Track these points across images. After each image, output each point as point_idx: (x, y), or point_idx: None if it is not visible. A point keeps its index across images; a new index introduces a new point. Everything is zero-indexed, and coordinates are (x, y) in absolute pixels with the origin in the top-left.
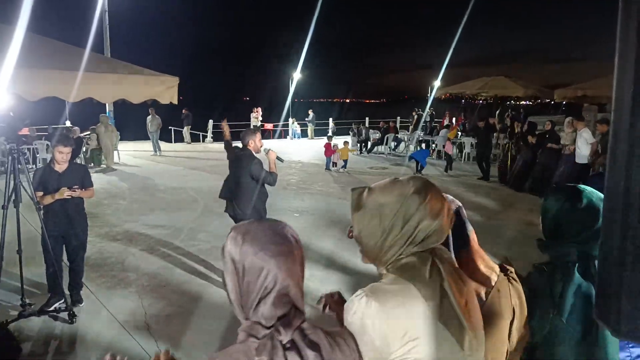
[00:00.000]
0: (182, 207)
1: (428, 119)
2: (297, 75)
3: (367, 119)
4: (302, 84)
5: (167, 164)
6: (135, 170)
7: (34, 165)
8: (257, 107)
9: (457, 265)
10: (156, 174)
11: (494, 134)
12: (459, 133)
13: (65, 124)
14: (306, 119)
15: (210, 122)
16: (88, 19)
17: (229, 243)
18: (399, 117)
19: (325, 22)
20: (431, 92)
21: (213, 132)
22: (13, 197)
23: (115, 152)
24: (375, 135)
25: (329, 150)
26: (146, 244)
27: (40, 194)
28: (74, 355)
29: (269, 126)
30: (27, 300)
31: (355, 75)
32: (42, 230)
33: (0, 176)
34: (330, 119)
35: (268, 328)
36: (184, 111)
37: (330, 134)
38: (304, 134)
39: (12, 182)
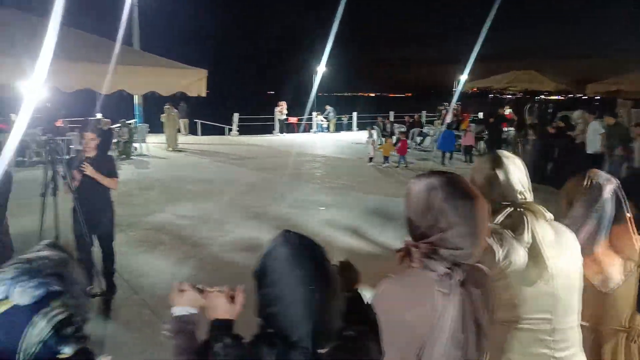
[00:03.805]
0: (208, 199)
1: (453, 113)
2: (321, 69)
3: (391, 113)
4: (325, 78)
5: (194, 156)
6: (164, 162)
7: (66, 157)
8: (281, 101)
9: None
10: (183, 166)
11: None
12: (471, 124)
13: (96, 116)
14: (322, 115)
15: (236, 115)
16: (118, 13)
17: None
18: (424, 112)
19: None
20: (457, 86)
21: (238, 126)
22: (51, 186)
23: (144, 145)
24: (400, 129)
25: (404, 147)
26: (175, 233)
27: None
28: (106, 337)
29: (293, 120)
30: None
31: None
32: (74, 217)
33: (35, 166)
34: (355, 113)
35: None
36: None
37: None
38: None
39: (49, 172)
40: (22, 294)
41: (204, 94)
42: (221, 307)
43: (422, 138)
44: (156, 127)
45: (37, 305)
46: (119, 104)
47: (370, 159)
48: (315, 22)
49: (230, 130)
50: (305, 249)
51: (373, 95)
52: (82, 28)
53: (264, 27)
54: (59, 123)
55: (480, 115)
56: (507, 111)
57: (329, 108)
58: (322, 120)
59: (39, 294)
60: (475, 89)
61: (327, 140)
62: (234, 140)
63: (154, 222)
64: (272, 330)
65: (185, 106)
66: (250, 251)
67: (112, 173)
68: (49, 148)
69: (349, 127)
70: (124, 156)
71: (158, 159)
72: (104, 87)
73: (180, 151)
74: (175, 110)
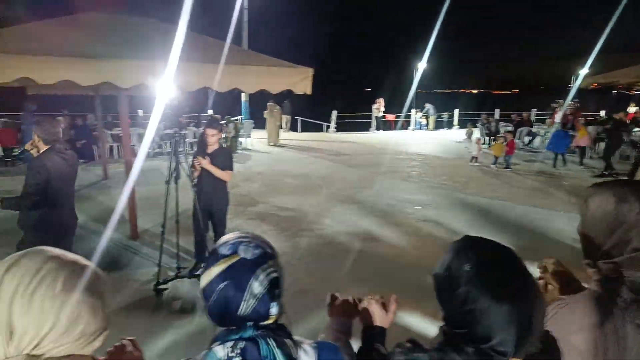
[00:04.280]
0: (307, 193)
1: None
2: (422, 65)
3: (497, 110)
4: (425, 74)
5: (294, 151)
6: (266, 157)
7: (190, 150)
8: (379, 98)
9: None
10: (284, 160)
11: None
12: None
13: (208, 113)
14: (422, 113)
15: (334, 113)
16: (227, 15)
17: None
18: (534, 110)
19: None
20: (574, 81)
21: (336, 123)
22: (174, 175)
23: (249, 139)
24: (506, 128)
25: (512, 147)
26: (276, 224)
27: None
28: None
29: (390, 117)
30: (181, 265)
31: (483, 63)
32: (194, 204)
33: (157, 157)
34: (456, 110)
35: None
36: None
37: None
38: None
39: (173, 162)
40: (246, 251)
41: (309, 92)
42: (376, 315)
43: (531, 138)
44: (259, 123)
45: (258, 261)
46: (228, 101)
47: (473, 159)
48: (417, 16)
49: (328, 127)
50: (500, 253)
51: (476, 92)
52: (195, 30)
53: (363, 24)
54: (181, 119)
55: (602, 113)
56: (633, 109)
57: (428, 105)
58: (421, 118)
59: (258, 252)
60: (596, 85)
61: (426, 139)
62: (331, 137)
63: (257, 212)
64: (463, 331)
65: (289, 104)
66: (347, 245)
67: (226, 166)
68: (174, 141)
69: (449, 125)
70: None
71: (260, 153)
72: (221, 86)
73: (281, 146)
74: (278, 107)
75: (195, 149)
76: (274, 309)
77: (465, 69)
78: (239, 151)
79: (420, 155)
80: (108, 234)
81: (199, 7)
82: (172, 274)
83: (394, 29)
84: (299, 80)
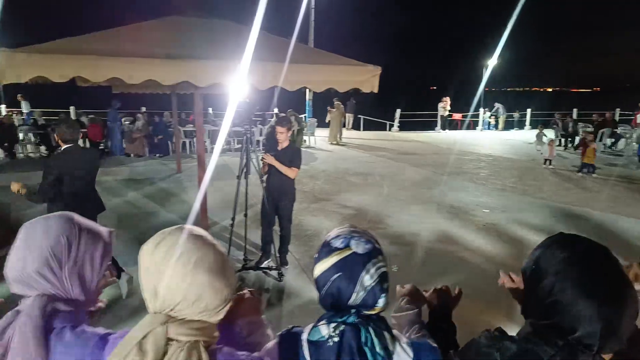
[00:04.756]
0: (369, 191)
1: None
2: (492, 62)
3: (575, 110)
4: (494, 71)
5: (356, 150)
6: (328, 155)
7: (261, 148)
8: (445, 97)
9: None
10: (346, 159)
11: None
12: None
13: (273, 111)
14: (490, 112)
15: (397, 111)
16: (293, 14)
17: None
18: (618, 109)
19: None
20: None
21: (399, 122)
22: (244, 170)
23: (312, 137)
24: (586, 129)
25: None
26: (338, 221)
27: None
28: (280, 307)
29: (457, 116)
30: (248, 257)
31: (559, 60)
32: (262, 199)
33: (225, 153)
34: (529, 110)
35: None
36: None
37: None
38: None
39: (244, 158)
40: (358, 245)
41: (376, 90)
42: (442, 298)
43: (614, 140)
44: (322, 122)
45: (369, 255)
46: (292, 100)
47: (546, 161)
48: (488, 10)
49: (391, 126)
50: (595, 249)
51: (550, 90)
52: (263, 29)
53: (430, 20)
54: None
55: None
56: None
57: (498, 104)
58: (490, 118)
59: (369, 247)
60: None
61: (495, 139)
62: (395, 135)
63: (320, 209)
64: (547, 322)
65: (354, 102)
66: (409, 246)
67: (293, 163)
68: (245, 138)
69: (520, 126)
70: None
71: (323, 152)
72: (291, 84)
73: (343, 145)
74: (342, 106)
75: (261, 146)
76: (381, 301)
77: (539, 65)
78: (302, 149)
79: (489, 156)
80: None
81: (268, 6)
82: (239, 265)
83: (462, 25)
84: (367, 78)
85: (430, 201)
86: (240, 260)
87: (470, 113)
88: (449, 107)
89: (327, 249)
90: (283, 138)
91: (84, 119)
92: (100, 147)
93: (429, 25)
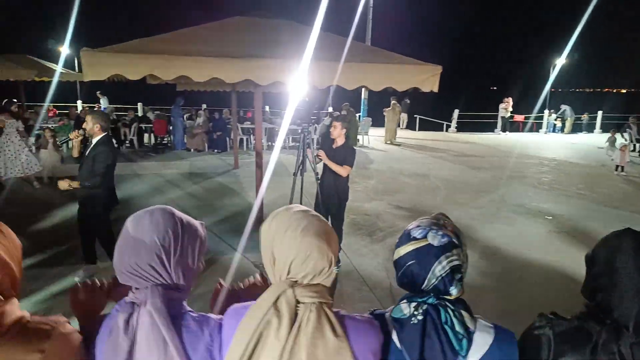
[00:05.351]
0: (423, 193)
1: None
2: (560, 61)
3: None
4: (561, 71)
5: (411, 150)
6: (382, 155)
7: (317, 147)
8: (507, 97)
9: None
10: (400, 159)
11: None
12: None
13: (328, 110)
14: (555, 114)
15: (455, 111)
16: (351, 12)
17: None
18: None
19: None
20: None
21: (457, 122)
22: (300, 167)
23: (366, 137)
24: None
25: None
26: (390, 221)
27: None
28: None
29: (519, 118)
30: None
31: (633, 59)
32: (316, 195)
33: (281, 151)
34: (599, 112)
35: None
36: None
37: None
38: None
39: (300, 156)
40: (434, 238)
41: (436, 90)
42: None
43: None
44: (376, 121)
45: (443, 249)
46: (348, 99)
47: (619, 168)
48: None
49: (448, 126)
50: None
51: (624, 91)
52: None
53: (492, 17)
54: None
55: None
56: None
57: (564, 106)
58: (555, 120)
59: (445, 241)
60: None
61: (560, 142)
62: (451, 137)
63: (372, 209)
64: (592, 303)
65: (408, 102)
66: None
67: (345, 161)
68: (302, 135)
69: (589, 129)
70: None
71: (377, 151)
72: (349, 83)
73: (397, 145)
74: (399, 105)
75: (317, 144)
76: (454, 290)
77: (612, 64)
78: (356, 148)
79: (553, 161)
80: (238, 219)
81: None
82: None
83: (528, 23)
84: (427, 77)
85: (489, 206)
86: None
87: (533, 115)
88: (510, 108)
89: (406, 237)
90: (337, 134)
91: (150, 114)
92: (164, 142)
93: (492, 22)
